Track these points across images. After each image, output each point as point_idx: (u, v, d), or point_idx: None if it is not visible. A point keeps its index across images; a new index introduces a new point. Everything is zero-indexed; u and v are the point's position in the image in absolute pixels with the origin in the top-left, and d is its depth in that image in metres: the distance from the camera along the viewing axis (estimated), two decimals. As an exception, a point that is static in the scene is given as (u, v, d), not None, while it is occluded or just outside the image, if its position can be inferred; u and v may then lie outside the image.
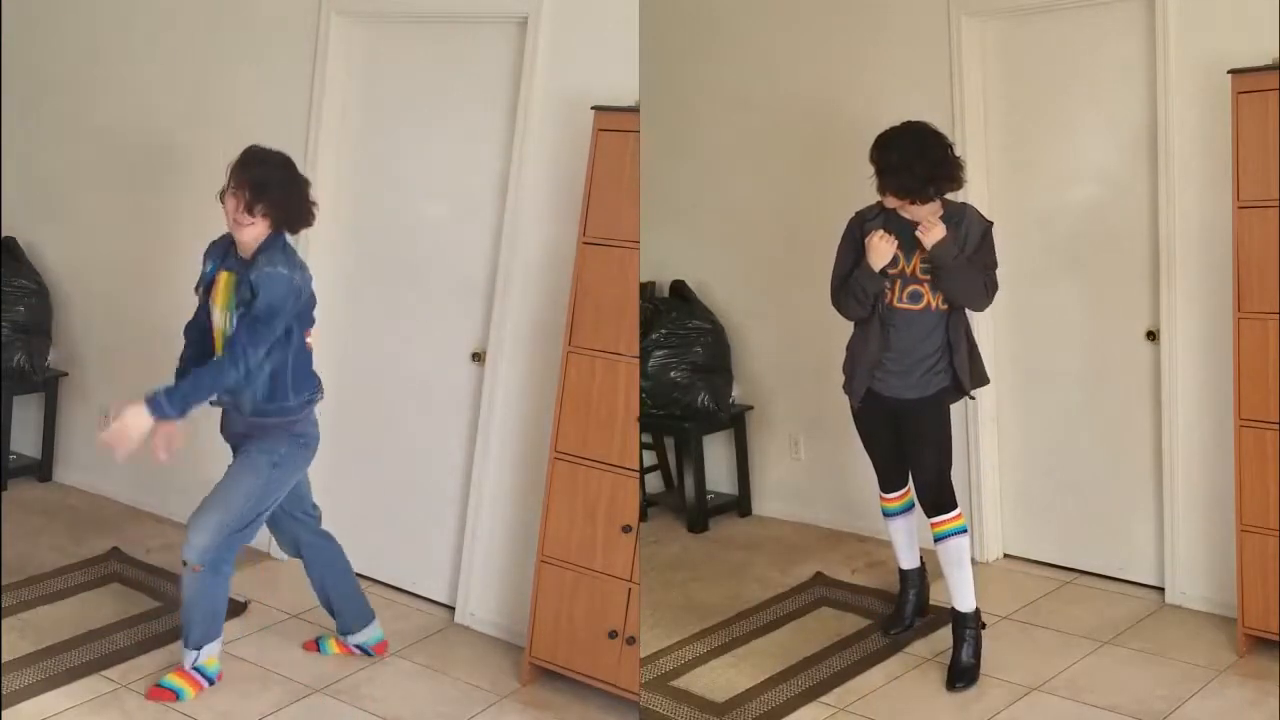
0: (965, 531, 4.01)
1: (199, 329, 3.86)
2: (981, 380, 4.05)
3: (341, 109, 4.76)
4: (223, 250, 3.78)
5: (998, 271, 3.96)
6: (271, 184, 3.64)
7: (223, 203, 3.67)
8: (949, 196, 3.97)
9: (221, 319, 3.72)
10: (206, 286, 3.79)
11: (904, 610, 4.37)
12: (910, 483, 4.16)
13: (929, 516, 4.02)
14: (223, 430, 3.93)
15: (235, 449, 3.89)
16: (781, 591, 4.78)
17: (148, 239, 5.32)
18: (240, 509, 3.74)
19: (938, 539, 4.00)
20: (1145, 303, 4.49)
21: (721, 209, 5.61)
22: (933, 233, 3.80)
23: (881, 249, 3.82)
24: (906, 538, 4.32)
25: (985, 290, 3.93)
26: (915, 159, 3.77)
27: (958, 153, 3.91)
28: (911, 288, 3.88)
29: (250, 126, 4.95)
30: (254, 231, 3.65)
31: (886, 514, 4.29)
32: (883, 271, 3.86)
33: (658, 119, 5.26)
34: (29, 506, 5.37)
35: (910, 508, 4.25)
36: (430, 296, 4.62)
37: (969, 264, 3.86)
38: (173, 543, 4.99)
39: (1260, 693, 3.81)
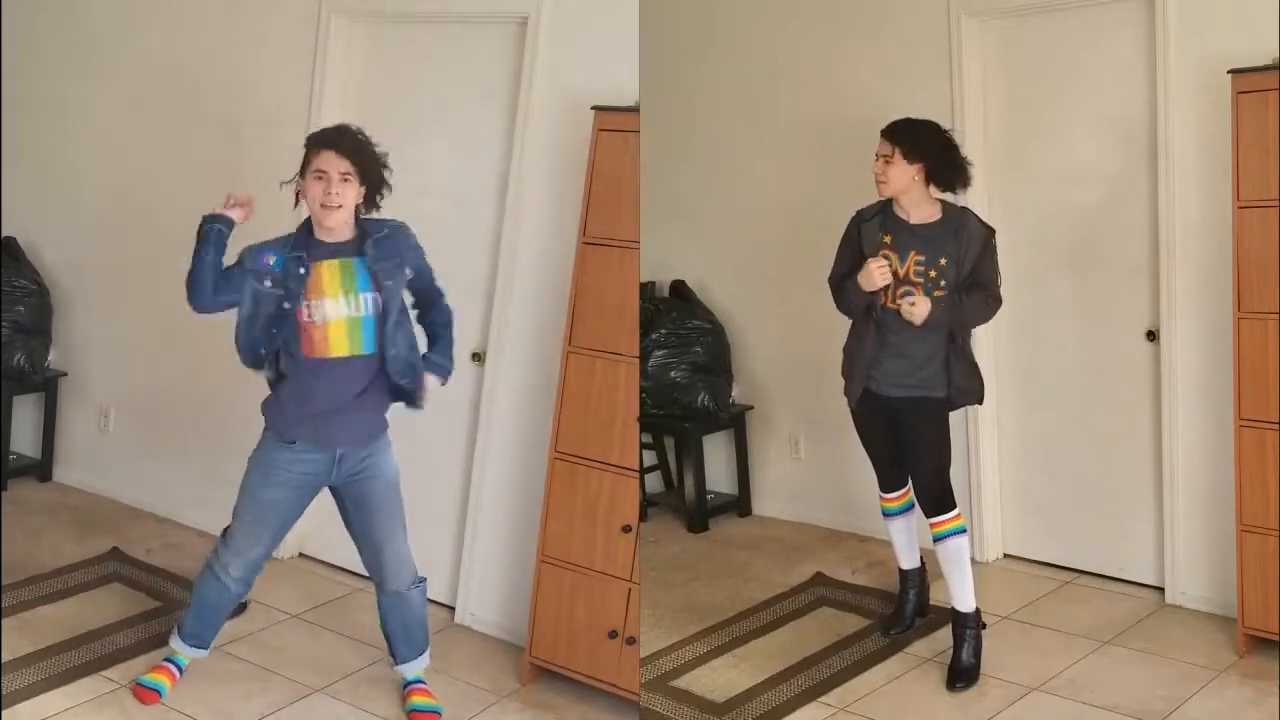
0: (964, 531, 4.01)
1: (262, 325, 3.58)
2: (972, 397, 4.00)
3: (341, 108, 4.75)
4: (289, 243, 3.57)
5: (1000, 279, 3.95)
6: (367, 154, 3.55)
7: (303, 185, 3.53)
8: (949, 199, 3.97)
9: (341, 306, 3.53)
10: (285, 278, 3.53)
11: (904, 610, 4.37)
12: (909, 483, 4.16)
13: (928, 517, 4.02)
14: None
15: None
16: (781, 591, 4.78)
17: (148, 238, 5.32)
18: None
19: (937, 539, 4.00)
20: (1145, 303, 4.50)
21: (721, 209, 5.62)
22: (917, 309, 3.77)
23: (873, 276, 3.80)
24: (906, 538, 4.32)
25: (989, 310, 3.93)
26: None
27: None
28: (905, 288, 3.87)
29: (250, 126, 4.97)
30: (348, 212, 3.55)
31: (886, 514, 4.29)
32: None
33: (658, 119, 5.26)
34: (29, 506, 5.37)
35: (910, 508, 4.25)
36: (430, 296, 4.62)
37: (967, 302, 3.85)
38: (173, 543, 5.01)
39: (1260, 693, 3.81)
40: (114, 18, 5.41)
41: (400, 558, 3.83)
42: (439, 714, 3.84)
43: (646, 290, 5.66)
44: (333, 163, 3.48)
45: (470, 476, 4.48)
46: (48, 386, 5.66)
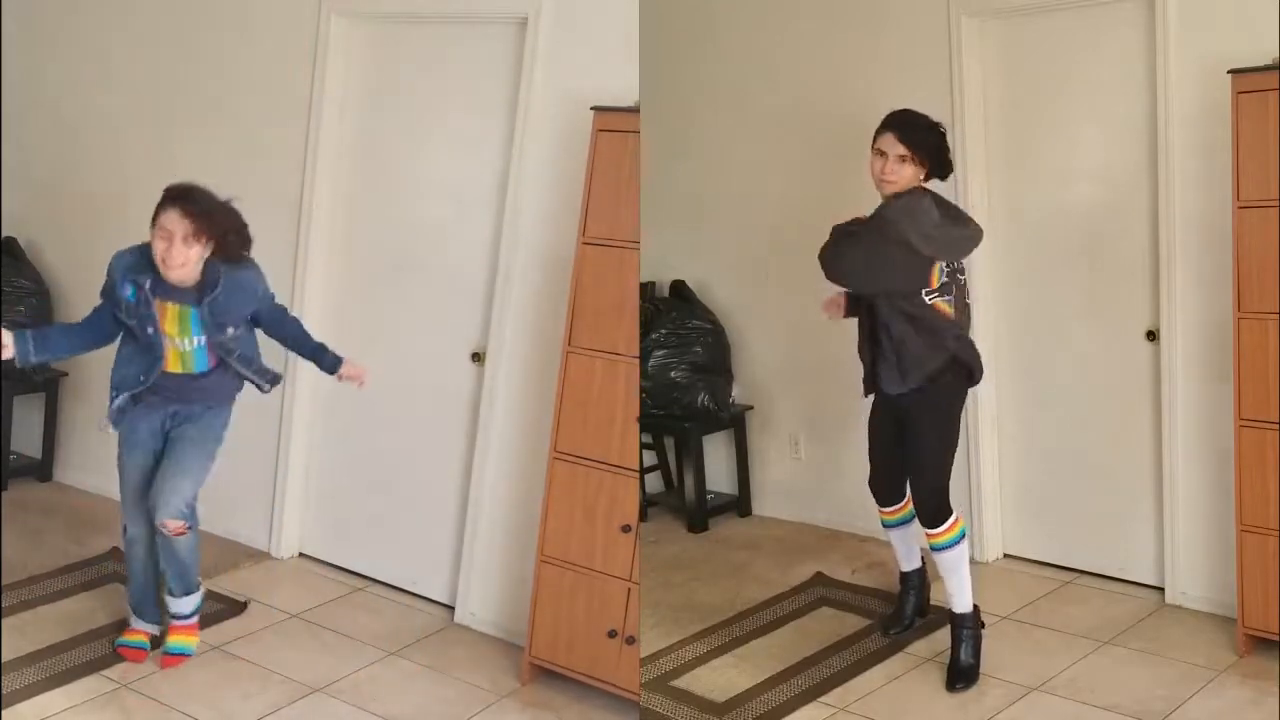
0: (963, 538, 3.98)
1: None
2: (975, 373, 4.01)
3: (341, 109, 4.76)
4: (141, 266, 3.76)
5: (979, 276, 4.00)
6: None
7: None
8: (934, 187, 3.95)
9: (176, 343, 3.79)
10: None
11: (904, 610, 4.36)
12: (907, 495, 4.15)
13: (925, 528, 3.99)
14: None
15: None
16: (781, 591, 4.78)
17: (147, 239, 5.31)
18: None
19: (934, 549, 3.99)
20: (1145, 303, 4.49)
21: (721, 209, 5.61)
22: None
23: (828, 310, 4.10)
24: (905, 545, 4.30)
25: None
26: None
27: (956, 150, 3.92)
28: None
29: (250, 126, 4.97)
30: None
31: (885, 525, 4.29)
32: None
33: (658, 119, 5.26)
34: (29, 506, 5.37)
35: (910, 519, 4.21)
36: (430, 297, 4.62)
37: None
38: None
39: (1260, 693, 3.81)
40: (115, 17, 5.41)
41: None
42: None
43: (646, 290, 5.66)
44: (176, 222, 3.59)
45: (470, 476, 4.47)
46: (48, 386, 5.66)
